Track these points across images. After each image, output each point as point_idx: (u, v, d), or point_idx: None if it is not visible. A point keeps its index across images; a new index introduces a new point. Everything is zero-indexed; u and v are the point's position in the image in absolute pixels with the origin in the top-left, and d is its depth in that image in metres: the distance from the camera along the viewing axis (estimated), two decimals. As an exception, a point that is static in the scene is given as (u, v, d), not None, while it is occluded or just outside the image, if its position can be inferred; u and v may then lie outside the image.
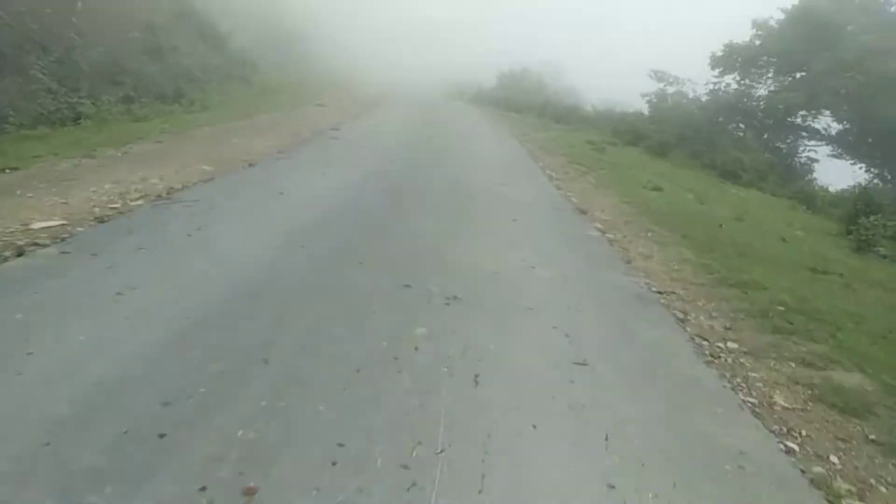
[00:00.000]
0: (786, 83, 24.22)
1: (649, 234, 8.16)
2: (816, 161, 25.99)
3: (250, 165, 9.26)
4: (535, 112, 34.73)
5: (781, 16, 24.73)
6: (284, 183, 8.27)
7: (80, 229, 5.52)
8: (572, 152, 16.71)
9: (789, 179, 21.63)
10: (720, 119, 26.89)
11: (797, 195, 16.12)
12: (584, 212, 9.01)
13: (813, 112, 23.25)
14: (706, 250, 7.61)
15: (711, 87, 27.69)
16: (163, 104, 16.11)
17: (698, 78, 29.57)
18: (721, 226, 9.64)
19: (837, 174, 24.38)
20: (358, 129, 15.03)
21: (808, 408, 3.92)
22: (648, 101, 29.73)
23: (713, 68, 26.05)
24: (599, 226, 8.28)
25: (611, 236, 7.80)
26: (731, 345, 4.76)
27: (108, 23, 16.45)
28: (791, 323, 5.29)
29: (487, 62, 53.34)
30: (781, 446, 3.41)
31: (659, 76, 29.44)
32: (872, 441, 3.58)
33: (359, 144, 12.16)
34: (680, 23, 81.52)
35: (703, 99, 28.64)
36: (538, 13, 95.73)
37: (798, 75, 23.47)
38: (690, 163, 20.39)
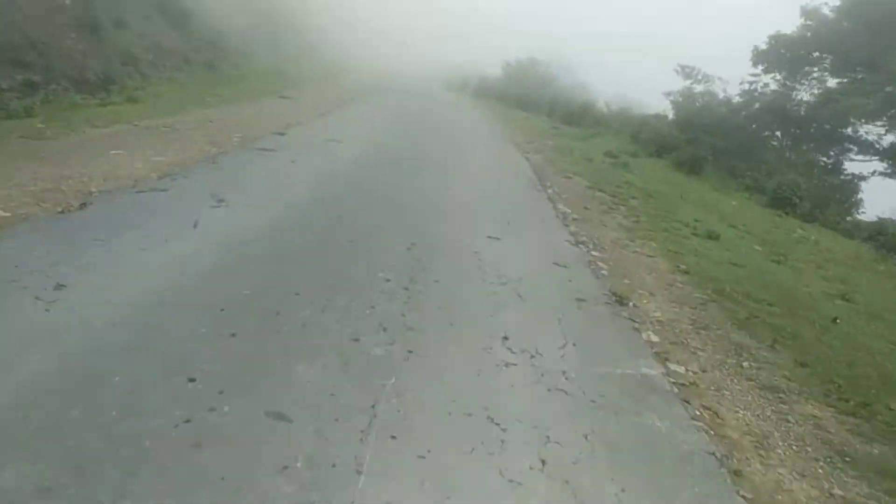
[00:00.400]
0: (841, 85, 20.28)
1: (744, 366, 4.57)
2: (864, 179, 22.29)
3: (60, 213, 5.53)
4: (543, 110, 31.06)
5: (837, 1, 20.64)
6: (65, 274, 4.15)
7: None
8: (590, 169, 13.12)
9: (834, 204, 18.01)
10: (754, 126, 23.18)
11: (875, 235, 12.42)
12: (621, 300, 5.42)
13: (874, 122, 19.31)
14: (861, 404, 4.08)
15: (746, 86, 23.88)
16: (78, 94, 12.55)
17: (729, 75, 25.90)
18: (836, 320, 6.07)
19: (885, 194, 20.67)
20: (312, 134, 11.38)
21: None
22: (673, 102, 26.04)
23: (755, 64, 22.19)
24: (654, 339, 4.71)
25: (680, 372, 4.23)
26: None
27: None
28: None
29: (494, 52, 49.50)
30: None
31: (686, 72, 25.66)
32: None
33: (294, 163, 8.43)
34: (705, 14, 77.67)
35: (735, 100, 24.84)
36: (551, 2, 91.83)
37: (858, 76, 19.50)
38: (729, 183, 16.77)
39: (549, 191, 9.97)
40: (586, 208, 9.13)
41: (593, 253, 6.74)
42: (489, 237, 6.54)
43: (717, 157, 18.68)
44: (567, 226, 7.86)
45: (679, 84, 26.16)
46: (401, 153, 11.03)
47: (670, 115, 25.37)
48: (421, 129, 15.05)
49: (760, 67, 22.09)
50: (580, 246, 6.97)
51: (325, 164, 8.74)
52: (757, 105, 23.66)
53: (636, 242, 7.63)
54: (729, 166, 17.72)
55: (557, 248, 6.71)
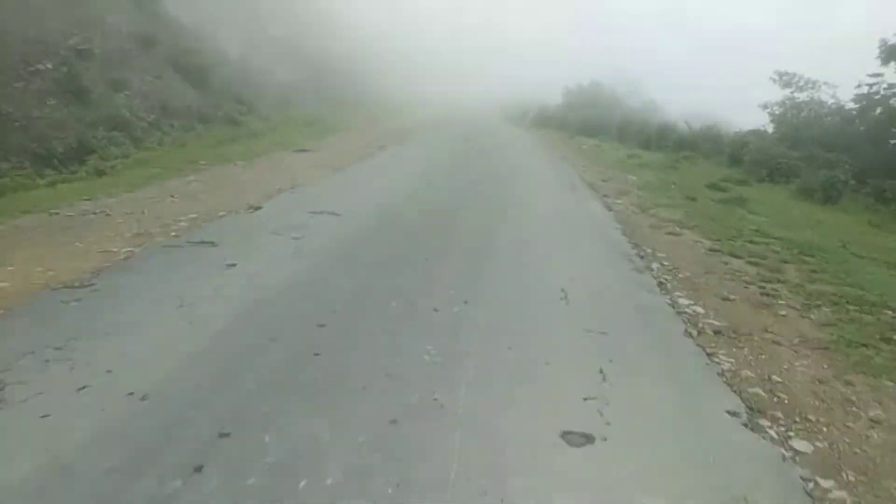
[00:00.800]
0: None
1: None
2: None
3: None
4: (613, 135, 27.15)
5: None
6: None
7: None
8: (697, 213, 9.27)
9: None
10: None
11: None
12: None
13: None
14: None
15: (865, 89, 19.07)
16: (39, 169, 10.09)
17: (834, 79, 21.20)
18: None
19: None
20: (302, 203, 7.85)
21: None
22: (771, 114, 21.58)
23: (885, 61, 17.53)
24: None
25: None
26: None
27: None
28: None
29: (554, 79, 46.07)
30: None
31: (784, 80, 21.22)
32: None
33: (225, 273, 5.09)
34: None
35: (848, 106, 20.02)
36: (611, 20, 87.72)
37: None
38: (885, 214, 12.33)
39: (654, 266, 6.23)
40: (727, 299, 5.33)
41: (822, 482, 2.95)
42: (566, 440, 2.93)
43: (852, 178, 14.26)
44: (711, 355, 4.12)
45: (777, 94, 21.74)
46: (422, 220, 7.63)
47: (769, 130, 20.97)
48: (462, 177, 11.64)
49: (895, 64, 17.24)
50: (773, 439, 3.21)
51: (281, 267, 5.39)
52: (879, 110, 18.81)
53: (862, 391, 3.79)
54: (875, 189, 13.25)
55: (727, 462, 2.99)
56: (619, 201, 9.97)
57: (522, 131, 28.43)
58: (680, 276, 5.96)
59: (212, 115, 17.47)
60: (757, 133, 19.71)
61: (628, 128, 27.76)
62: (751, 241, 7.71)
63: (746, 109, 24.97)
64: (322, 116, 24.80)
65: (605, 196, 10.40)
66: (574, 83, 40.61)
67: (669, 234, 7.80)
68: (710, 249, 7.10)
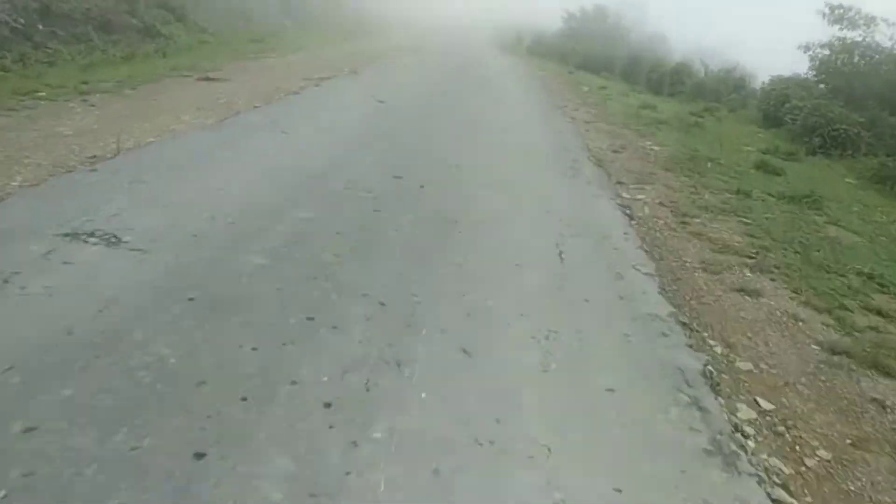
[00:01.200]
0: None
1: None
2: None
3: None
4: (618, 73, 23.13)
5: None
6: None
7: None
8: (761, 223, 5.87)
9: None
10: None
11: None
12: None
13: None
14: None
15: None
16: None
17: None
18: None
19: None
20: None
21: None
22: (812, 58, 17.59)
23: None
24: None
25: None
26: None
27: None
28: None
29: (553, 1, 40.84)
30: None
31: (836, 14, 17.11)
32: None
33: None
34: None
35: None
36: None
37: None
38: None
39: (749, 434, 2.85)
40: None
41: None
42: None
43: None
44: None
45: (820, 33, 17.67)
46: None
47: (809, 77, 17.08)
48: (419, 137, 8.02)
49: None
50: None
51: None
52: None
53: None
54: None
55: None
56: (640, 198, 6.47)
57: (515, 62, 24.16)
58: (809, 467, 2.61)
59: (119, 23, 13.28)
60: (800, 83, 15.88)
61: (636, 66, 23.69)
62: (879, 313, 4.35)
63: (779, 50, 20.88)
64: (276, 32, 20.44)
65: (619, 184, 6.88)
66: (576, 6, 35.62)
67: (741, 292, 4.38)
68: (826, 348, 3.71)
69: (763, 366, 3.40)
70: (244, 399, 2.46)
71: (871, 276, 5.04)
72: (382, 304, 3.40)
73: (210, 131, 6.86)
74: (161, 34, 13.88)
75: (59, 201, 4.34)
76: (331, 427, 2.37)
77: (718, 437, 2.69)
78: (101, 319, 2.90)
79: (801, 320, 4.04)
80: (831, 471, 2.62)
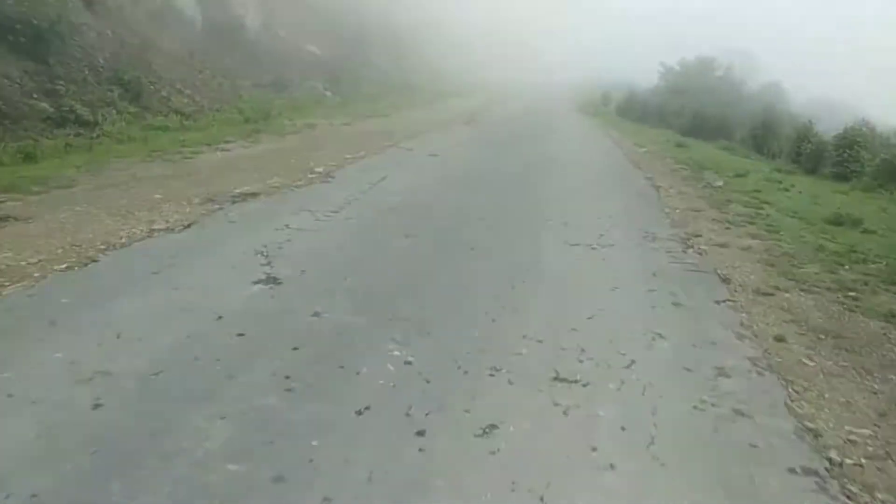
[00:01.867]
0: None
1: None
2: None
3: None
4: (742, 141, 17.10)
5: None
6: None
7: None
8: None
9: None
10: None
11: None
12: None
13: None
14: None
15: None
16: None
17: None
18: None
19: None
20: None
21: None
22: None
23: None
24: None
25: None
26: None
27: None
28: None
29: (649, 56, 35.25)
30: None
31: None
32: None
33: None
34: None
35: None
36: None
37: None
38: None
39: None
40: None
41: None
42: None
43: None
44: None
45: None
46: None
47: None
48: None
49: None
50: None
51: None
52: None
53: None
54: None
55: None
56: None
57: (597, 129, 18.65)
58: None
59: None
60: None
61: (767, 132, 17.52)
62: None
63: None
64: (303, 106, 16.24)
65: None
66: (675, 59, 29.77)
67: None
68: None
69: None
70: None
71: None
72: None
73: None
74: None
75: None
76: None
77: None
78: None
79: None
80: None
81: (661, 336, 3.44)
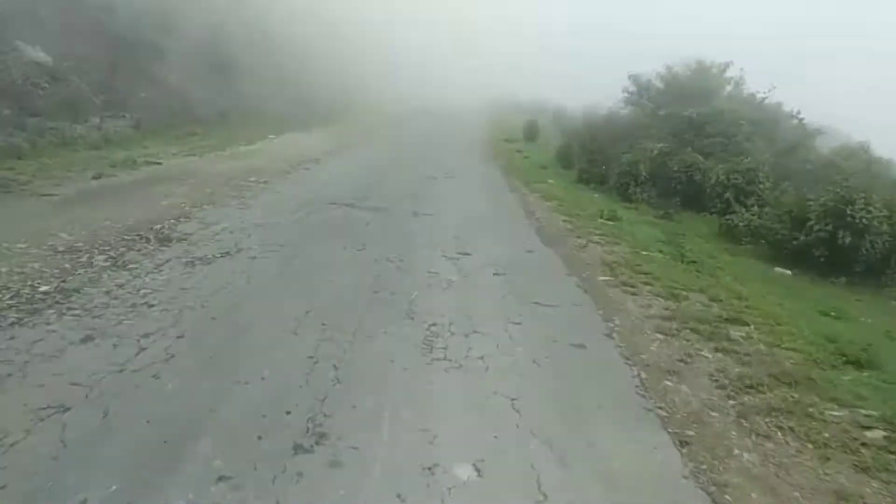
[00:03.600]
0: None
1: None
2: None
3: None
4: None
5: None
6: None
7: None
8: None
9: None
10: None
11: None
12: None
13: None
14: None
15: None
16: None
17: None
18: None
19: None
20: None
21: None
22: None
23: None
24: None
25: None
26: None
27: None
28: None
29: (615, 65, 23.80)
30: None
31: None
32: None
33: None
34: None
35: None
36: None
37: None
38: None
39: None
40: None
41: None
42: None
43: None
44: None
45: None
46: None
47: None
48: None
49: None
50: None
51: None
52: None
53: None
54: None
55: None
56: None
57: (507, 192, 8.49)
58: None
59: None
60: None
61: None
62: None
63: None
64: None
65: None
66: (661, 65, 18.07)
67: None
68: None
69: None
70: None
71: None
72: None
73: None
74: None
75: None
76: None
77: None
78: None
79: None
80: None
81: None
